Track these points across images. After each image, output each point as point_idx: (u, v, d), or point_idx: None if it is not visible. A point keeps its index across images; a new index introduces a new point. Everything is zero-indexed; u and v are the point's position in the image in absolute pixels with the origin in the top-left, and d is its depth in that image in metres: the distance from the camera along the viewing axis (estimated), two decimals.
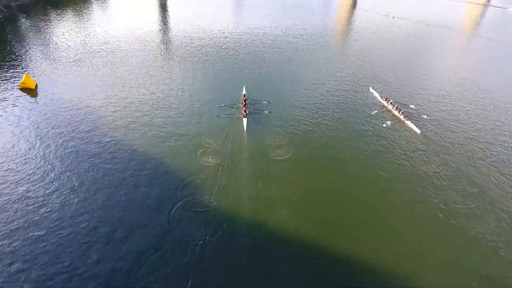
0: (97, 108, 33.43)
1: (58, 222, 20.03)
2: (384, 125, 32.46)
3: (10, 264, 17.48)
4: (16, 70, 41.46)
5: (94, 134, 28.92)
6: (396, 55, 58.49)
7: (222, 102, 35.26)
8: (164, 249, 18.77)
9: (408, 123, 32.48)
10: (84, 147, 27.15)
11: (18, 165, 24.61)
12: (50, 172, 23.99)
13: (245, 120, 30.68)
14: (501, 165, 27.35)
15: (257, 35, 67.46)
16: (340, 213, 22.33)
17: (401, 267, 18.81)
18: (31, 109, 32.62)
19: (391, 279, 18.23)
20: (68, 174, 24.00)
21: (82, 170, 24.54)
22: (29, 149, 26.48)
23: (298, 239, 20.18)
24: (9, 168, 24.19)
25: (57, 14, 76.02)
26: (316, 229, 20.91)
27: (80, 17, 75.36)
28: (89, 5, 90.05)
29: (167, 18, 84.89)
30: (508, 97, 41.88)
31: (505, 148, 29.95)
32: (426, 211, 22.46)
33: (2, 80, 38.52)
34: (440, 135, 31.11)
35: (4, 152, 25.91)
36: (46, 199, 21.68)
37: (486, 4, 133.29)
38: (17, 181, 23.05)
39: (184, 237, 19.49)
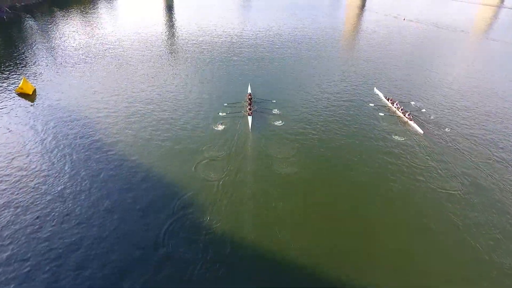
0: (97, 115, 32.17)
1: (39, 239, 18.82)
2: (384, 124, 32.71)
3: None
4: (16, 74, 40.57)
5: (92, 143, 27.68)
6: (404, 57, 57.04)
7: (227, 101, 35.62)
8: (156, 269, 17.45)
9: (412, 123, 32.38)
10: (80, 156, 25.91)
11: (11, 173, 23.59)
12: (42, 182, 22.83)
13: (250, 118, 31.17)
14: (505, 167, 26.94)
15: (263, 36, 66.72)
16: (344, 214, 22.26)
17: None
18: (25, 116, 31.53)
19: None
20: (62, 185, 22.80)
21: (78, 180, 23.50)
22: (21, 158, 25.36)
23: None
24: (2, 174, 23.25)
25: (62, 15, 75.58)
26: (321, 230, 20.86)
27: (85, 18, 74.72)
28: (95, 6, 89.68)
29: (173, 19, 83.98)
30: None
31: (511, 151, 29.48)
32: (435, 222, 21.73)
33: None
34: (443, 136, 30.88)
35: None
36: (34, 208, 20.71)
37: (499, 6, 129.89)
38: (5, 189, 22.09)
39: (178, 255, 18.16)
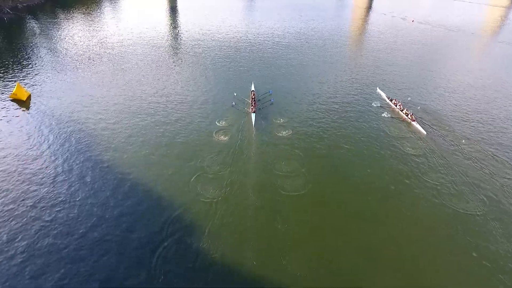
0: (93, 125, 30.63)
1: (30, 253, 17.36)
2: (387, 124, 32.60)
3: None
4: (10, 79, 39.33)
5: (87, 155, 26.23)
6: (410, 58, 55.76)
7: (231, 99, 35.88)
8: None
9: (415, 124, 32.25)
10: (74, 169, 24.49)
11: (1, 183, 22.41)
12: (30, 195, 21.42)
13: (253, 116, 31.78)
14: (509, 167, 26.63)
15: (267, 37, 65.76)
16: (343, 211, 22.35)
17: None
18: (18, 124, 30.22)
19: None
20: (55, 197, 21.45)
21: (71, 190, 22.28)
22: (10, 168, 23.97)
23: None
24: None
25: (65, 16, 74.59)
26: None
27: (88, 19, 73.56)
28: (99, 7, 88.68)
29: (177, 21, 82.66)
30: None
31: None
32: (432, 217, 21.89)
33: None
34: (447, 138, 30.60)
35: None
36: (14, 222, 19.46)
37: (509, 7, 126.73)
38: None
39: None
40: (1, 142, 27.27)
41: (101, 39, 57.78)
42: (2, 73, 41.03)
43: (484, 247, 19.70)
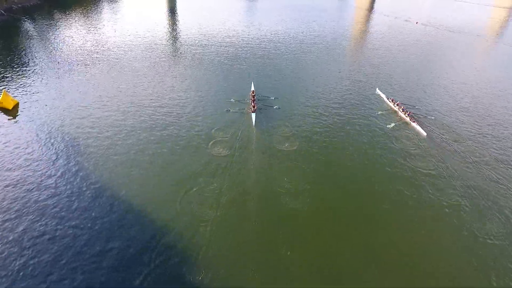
0: (84, 136, 28.95)
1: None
2: (388, 126, 32.27)
3: None
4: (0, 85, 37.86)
5: (75, 166, 24.67)
6: (412, 60, 55.11)
7: (232, 98, 36.42)
8: None
9: (415, 125, 32.09)
10: (61, 186, 22.91)
11: None
12: (12, 212, 19.90)
13: (253, 115, 31.87)
14: (509, 170, 26.38)
15: (268, 37, 65.09)
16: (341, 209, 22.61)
17: None
18: (2, 134, 28.64)
19: None
20: (37, 209, 19.88)
21: (56, 206, 20.50)
22: None
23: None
24: None
25: (62, 18, 73.08)
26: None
27: (85, 21, 71.98)
28: (97, 9, 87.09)
29: (176, 22, 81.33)
30: None
31: None
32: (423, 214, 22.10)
33: None
34: (446, 138, 30.50)
35: None
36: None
37: None
38: None
39: None
40: None
41: (97, 43, 56.20)
42: None
43: (483, 246, 19.84)
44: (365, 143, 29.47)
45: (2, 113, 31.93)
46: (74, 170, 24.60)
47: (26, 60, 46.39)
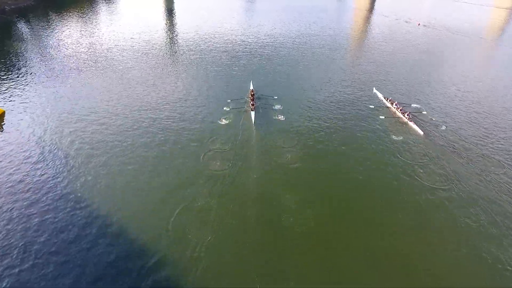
0: (72, 147, 27.80)
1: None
2: (384, 124, 32.65)
3: None
4: None
5: (61, 187, 23.40)
6: (411, 61, 54.99)
7: (231, 97, 36.94)
8: None
9: (412, 124, 32.22)
10: (47, 202, 21.74)
11: None
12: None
13: (253, 113, 32.53)
14: (504, 169, 26.37)
15: (266, 38, 64.73)
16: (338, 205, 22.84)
17: None
18: None
19: None
20: (19, 226, 18.73)
21: (38, 224, 19.26)
22: None
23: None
24: None
25: (56, 19, 71.79)
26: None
27: (81, 23, 70.63)
28: (93, 10, 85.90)
29: (174, 23, 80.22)
30: None
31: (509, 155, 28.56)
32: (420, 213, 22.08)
33: None
34: (443, 137, 30.57)
35: None
36: None
37: None
38: None
39: None
40: None
41: (93, 45, 54.95)
42: None
43: (480, 247, 19.72)
44: (362, 143, 29.66)
45: None
46: (59, 186, 23.41)
47: (16, 65, 45.11)
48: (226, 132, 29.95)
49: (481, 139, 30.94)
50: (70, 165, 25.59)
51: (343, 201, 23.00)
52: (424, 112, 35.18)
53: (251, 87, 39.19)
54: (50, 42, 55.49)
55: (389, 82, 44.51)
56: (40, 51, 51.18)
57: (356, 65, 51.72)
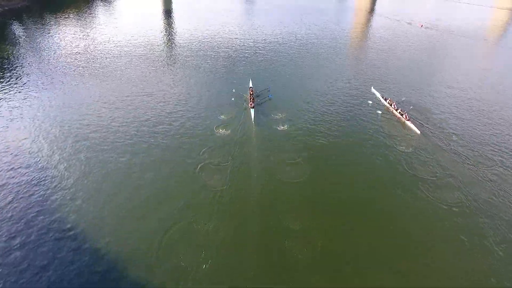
0: (63, 156, 26.22)
1: None
2: (381, 123, 32.92)
3: None
4: None
5: (51, 197, 21.85)
6: (411, 62, 54.87)
7: (233, 90, 37.83)
8: None
9: (409, 123, 32.48)
10: (27, 215, 20.20)
11: None
12: None
13: (252, 111, 33.03)
14: (500, 169, 26.48)
15: (265, 38, 64.24)
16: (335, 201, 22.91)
17: None
18: None
19: None
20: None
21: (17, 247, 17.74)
22: None
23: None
24: None
25: (52, 21, 70.08)
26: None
27: (77, 25, 68.93)
28: (91, 11, 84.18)
29: (172, 24, 79.06)
30: None
31: (505, 154, 28.74)
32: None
33: None
34: (440, 136, 30.78)
35: None
36: None
37: None
38: None
39: None
40: None
41: (88, 49, 53.32)
42: None
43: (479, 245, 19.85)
44: (360, 140, 30.12)
45: None
46: (47, 202, 21.87)
47: (7, 68, 43.47)
48: (226, 130, 30.30)
49: (478, 137, 31.23)
50: (63, 176, 24.01)
51: (349, 208, 22.51)
52: (423, 112, 35.25)
53: (251, 85, 39.55)
54: (45, 45, 53.87)
55: (389, 82, 44.34)
56: (34, 54, 49.55)
57: (355, 66, 51.63)
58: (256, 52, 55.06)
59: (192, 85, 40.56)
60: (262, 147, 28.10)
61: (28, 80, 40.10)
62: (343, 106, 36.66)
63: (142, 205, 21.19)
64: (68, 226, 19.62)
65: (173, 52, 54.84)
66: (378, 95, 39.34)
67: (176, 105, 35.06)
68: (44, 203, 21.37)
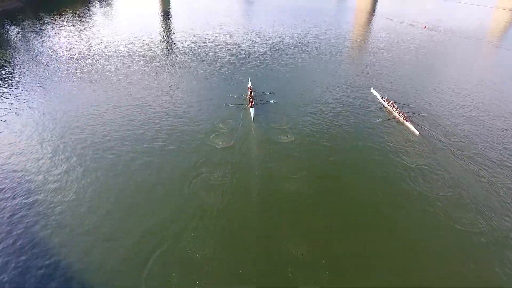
0: (56, 163, 24.74)
1: None
2: (380, 124, 32.86)
3: None
4: None
5: (42, 205, 20.36)
6: (411, 63, 54.09)
7: (230, 94, 37.53)
8: None
9: (408, 124, 32.44)
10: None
11: None
12: None
13: (252, 110, 32.87)
14: (499, 169, 26.44)
15: (265, 39, 63.42)
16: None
17: None
18: None
19: None
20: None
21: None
22: None
23: None
24: None
25: (47, 23, 68.47)
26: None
27: (73, 26, 67.23)
28: (88, 11, 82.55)
29: (170, 25, 77.66)
30: None
31: (503, 154, 28.68)
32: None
33: None
34: (438, 138, 30.69)
35: None
36: None
37: None
38: None
39: None
40: None
41: (84, 51, 51.73)
42: None
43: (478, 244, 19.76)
44: (358, 140, 30.10)
45: None
46: (45, 205, 20.35)
47: (3, 71, 41.89)
48: (226, 127, 30.56)
49: (476, 137, 31.20)
50: (56, 183, 22.47)
51: (348, 208, 22.47)
52: (421, 113, 35.21)
53: (249, 85, 39.40)
54: (40, 47, 52.26)
55: (387, 83, 44.17)
56: (29, 56, 47.94)
57: (355, 66, 51.29)
58: (255, 53, 54.35)
59: (189, 87, 39.56)
60: (262, 147, 27.88)
61: (22, 83, 38.51)
62: (341, 106, 36.54)
63: (133, 225, 19.98)
64: (53, 248, 18.35)
65: (171, 53, 53.58)
66: (377, 95, 39.24)
67: (174, 109, 34.32)
68: (24, 212, 19.88)
